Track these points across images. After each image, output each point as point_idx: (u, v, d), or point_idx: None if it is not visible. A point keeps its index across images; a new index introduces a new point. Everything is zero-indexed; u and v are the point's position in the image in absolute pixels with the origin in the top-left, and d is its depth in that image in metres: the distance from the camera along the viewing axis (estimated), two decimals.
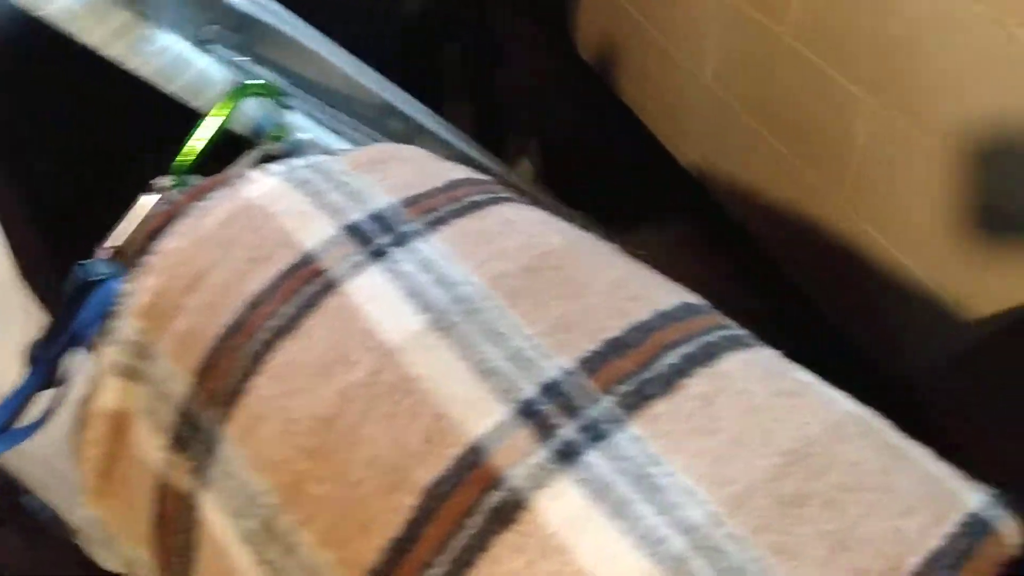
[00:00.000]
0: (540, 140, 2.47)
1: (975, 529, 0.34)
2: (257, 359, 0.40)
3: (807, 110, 1.55)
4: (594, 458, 0.35)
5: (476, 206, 0.49)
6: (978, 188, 1.16)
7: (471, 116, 2.38)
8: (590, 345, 0.40)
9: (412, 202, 0.49)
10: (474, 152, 0.82)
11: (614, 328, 0.41)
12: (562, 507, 0.34)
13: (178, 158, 0.67)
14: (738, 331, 0.42)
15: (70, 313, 0.50)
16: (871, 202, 1.42)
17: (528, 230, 0.47)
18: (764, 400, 0.37)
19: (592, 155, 2.30)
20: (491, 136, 2.41)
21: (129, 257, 0.53)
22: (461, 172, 0.54)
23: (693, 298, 0.44)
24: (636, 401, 0.38)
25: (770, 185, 1.77)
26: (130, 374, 0.47)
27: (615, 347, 0.40)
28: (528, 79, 2.58)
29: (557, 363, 0.39)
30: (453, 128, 0.92)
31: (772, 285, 1.95)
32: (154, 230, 0.51)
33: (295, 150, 0.68)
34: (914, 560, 0.32)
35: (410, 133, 0.83)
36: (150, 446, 0.45)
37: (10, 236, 0.74)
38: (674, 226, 2.24)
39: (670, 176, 2.18)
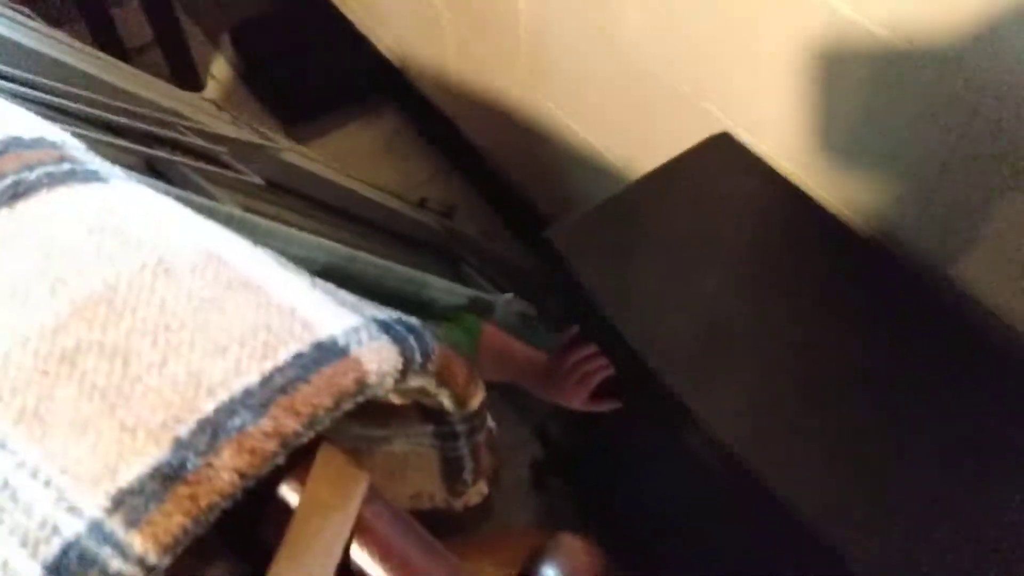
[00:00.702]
0: (232, 35, 2.24)
1: (316, 357, 0.27)
2: None
3: None
4: None
5: None
6: (634, 58, 1.16)
7: (146, 14, 2.11)
8: None
9: None
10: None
11: None
12: None
13: None
14: (91, 167, 0.33)
15: None
16: (545, 75, 1.41)
17: None
18: (73, 241, 0.28)
19: (290, 48, 2.12)
20: (170, 35, 2.16)
21: None
22: None
23: (37, 132, 0.34)
24: None
25: (459, 66, 1.71)
26: None
27: None
28: None
29: None
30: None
31: (471, 167, 1.93)
32: None
33: None
34: (208, 404, 0.24)
35: None
36: None
37: None
38: (380, 118, 2.14)
39: (370, 65, 2.07)
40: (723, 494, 0.92)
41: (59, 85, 0.70)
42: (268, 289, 0.29)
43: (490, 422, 0.46)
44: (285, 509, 0.29)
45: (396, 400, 0.34)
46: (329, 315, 0.29)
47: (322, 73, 2.13)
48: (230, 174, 0.70)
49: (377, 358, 0.29)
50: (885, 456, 0.76)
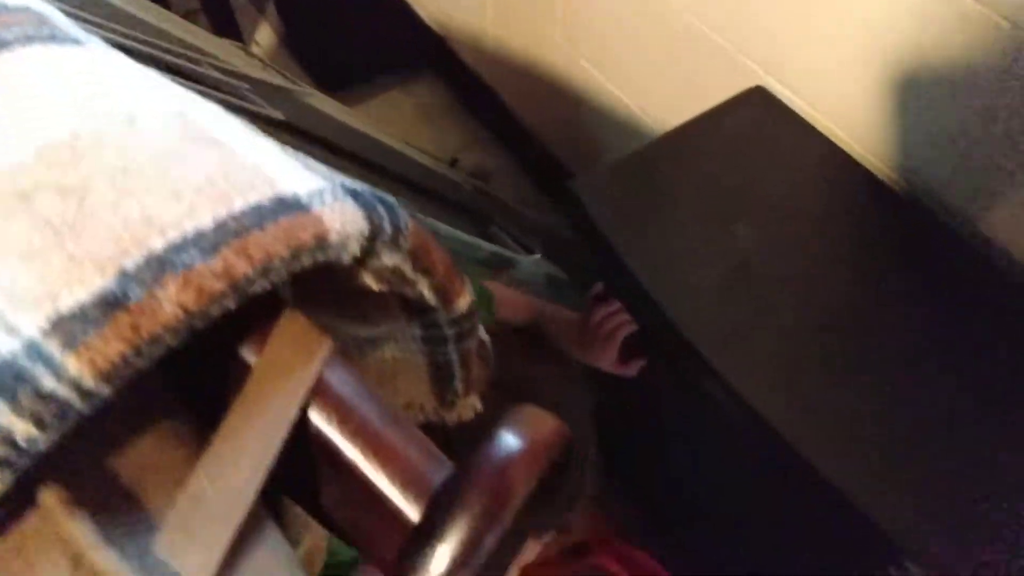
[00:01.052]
0: (277, 1, 2.26)
1: (275, 209, 0.26)
2: None
3: None
4: None
5: None
6: (670, 11, 1.14)
7: None
8: None
9: None
10: None
11: None
12: None
13: None
14: (73, 34, 0.33)
15: None
16: (582, 37, 1.39)
17: None
18: (42, 92, 0.28)
19: (334, 15, 2.13)
20: (216, 1, 2.18)
21: None
22: None
23: (24, 2, 0.33)
24: None
25: (497, 31, 1.70)
26: None
27: None
28: None
29: None
30: None
31: (508, 134, 1.91)
32: None
33: None
34: (157, 242, 0.24)
35: None
36: None
37: None
38: (419, 85, 2.14)
39: (411, 32, 2.07)
40: (748, 453, 0.90)
41: (78, 11, 0.71)
42: (234, 147, 0.29)
43: (483, 334, 0.45)
44: (244, 370, 0.28)
45: (374, 285, 0.34)
46: (295, 176, 0.29)
47: (364, 40, 2.14)
48: (251, 108, 0.70)
49: (340, 218, 0.28)
50: (913, 410, 0.74)
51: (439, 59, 2.03)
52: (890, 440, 0.73)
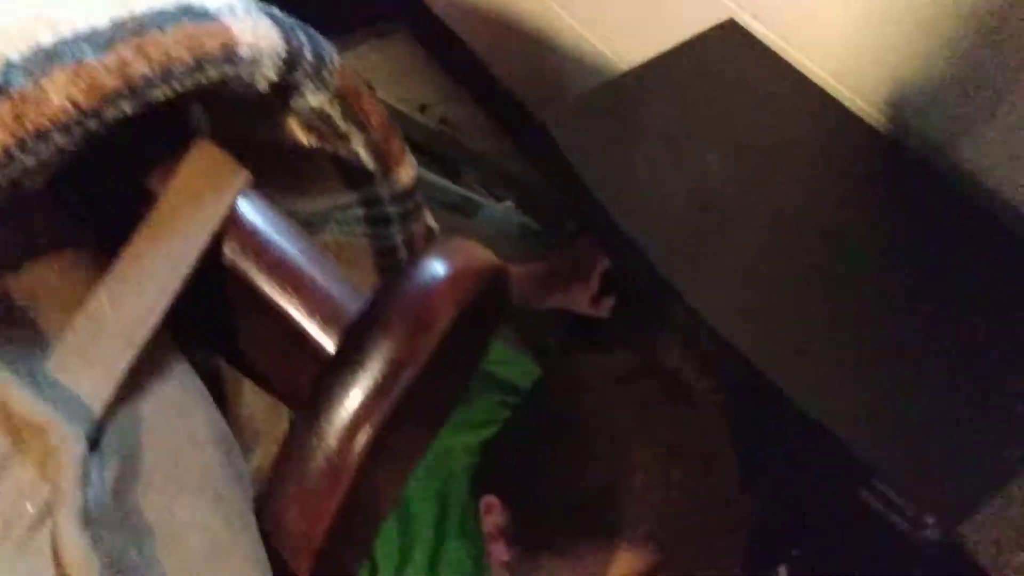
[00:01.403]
0: None
1: (178, 15, 0.25)
2: None
3: None
4: None
5: None
6: None
7: None
8: None
9: None
10: None
11: None
12: None
13: None
14: None
15: None
16: None
17: None
18: None
19: None
20: None
21: None
22: None
23: None
24: None
25: None
26: None
27: None
28: None
29: None
30: None
31: (483, 90, 1.89)
32: None
33: None
34: (47, 37, 0.23)
35: None
36: None
37: None
38: (392, 41, 2.10)
39: None
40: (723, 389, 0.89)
41: None
42: None
43: (431, 221, 0.44)
44: (154, 201, 0.27)
45: (303, 136, 0.32)
46: None
47: None
48: None
49: (252, 32, 0.26)
50: (884, 335, 0.73)
51: (411, 14, 2.00)
52: (859, 364, 0.73)
